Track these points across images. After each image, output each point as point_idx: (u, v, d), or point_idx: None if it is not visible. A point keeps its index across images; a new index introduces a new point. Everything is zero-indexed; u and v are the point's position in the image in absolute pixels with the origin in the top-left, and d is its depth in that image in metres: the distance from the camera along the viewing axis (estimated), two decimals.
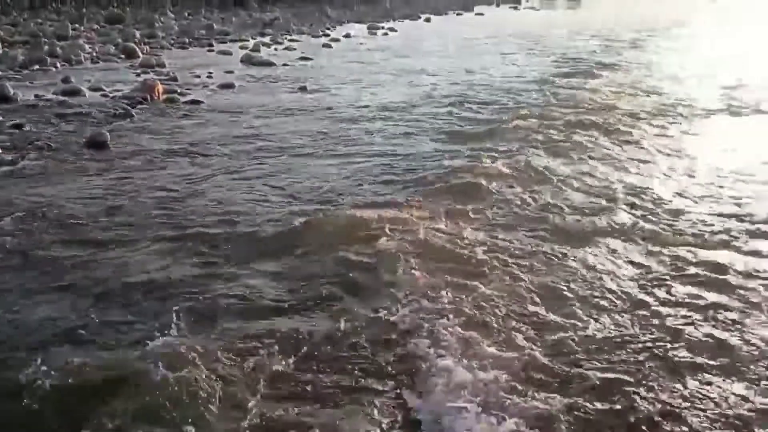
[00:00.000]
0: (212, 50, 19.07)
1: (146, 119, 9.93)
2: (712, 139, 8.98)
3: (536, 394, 3.20)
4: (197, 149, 8.24)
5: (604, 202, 6.20)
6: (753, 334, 3.84)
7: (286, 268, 4.80)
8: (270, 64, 16.23)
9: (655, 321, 3.99)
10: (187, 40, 20.97)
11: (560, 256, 4.96)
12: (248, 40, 21.38)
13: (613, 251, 5.06)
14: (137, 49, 17.46)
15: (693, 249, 5.10)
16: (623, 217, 5.82)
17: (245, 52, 17.58)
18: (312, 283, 4.54)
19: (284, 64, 16.21)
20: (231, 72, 14.65)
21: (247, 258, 4.97)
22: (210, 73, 14.37)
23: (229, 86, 12.98)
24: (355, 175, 7.21)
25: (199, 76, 14.00)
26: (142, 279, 4.58)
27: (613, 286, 4.46)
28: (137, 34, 20.83)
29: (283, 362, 3.57)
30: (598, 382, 3.33)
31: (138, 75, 13.76)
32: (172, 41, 20.82)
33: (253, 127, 9.56)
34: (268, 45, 20.26)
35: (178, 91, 12.14)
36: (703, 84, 13.35)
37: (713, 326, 3.94)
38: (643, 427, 3.02)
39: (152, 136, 8.90)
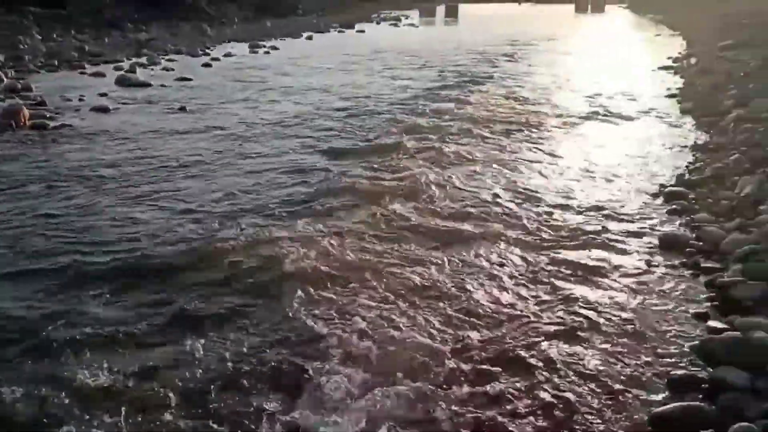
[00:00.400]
0: (84, 72, 18.08)
1: (11, 147, 9.27)
2: (582, 144, 9.59)
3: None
4: (69, 175, 7.81)
5: (483, 207, 6.58)
6: (615, 322, 4.29)
7: (182, 290, 4.78)
8: (147, 85, 15.64)
9: (529, 312, 4.39)
10: (56, 63, 19.79)
11: (441, 259, 5.30)
12: (123, 61, 20.48)
13: (488, 252, 5.43)
14: (0, 73, 16.34)
15: (564, 249, 5.47)
16: (500, 219, 6.20)
17: (120, 74, 16.84)
18: (208, 305, 4.55)
19: (162, 85, 15.67)
20: (105, 95, 13.98)
21: (129, 284, 4.80)
22: (82, 96, 13.64)
23: (103, 109, 12.36)
24: (250, 192, 7.21)
25: (70, 100, 13.26)
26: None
27: (486, 284, 4.83)
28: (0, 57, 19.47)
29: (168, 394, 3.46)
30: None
31: (2, 100, 12.84)
32: (40, 64, 19.56)
33: (132, 150, 9.16)
34: (144, 66, 19.48)
35: (48, 116, 11.43)
36: (571, 93, 14.23)
37: (578, 316, 4.34)
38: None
39: (17, 164, 8.32)
